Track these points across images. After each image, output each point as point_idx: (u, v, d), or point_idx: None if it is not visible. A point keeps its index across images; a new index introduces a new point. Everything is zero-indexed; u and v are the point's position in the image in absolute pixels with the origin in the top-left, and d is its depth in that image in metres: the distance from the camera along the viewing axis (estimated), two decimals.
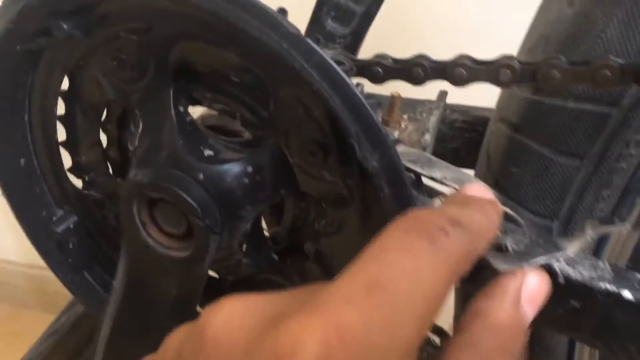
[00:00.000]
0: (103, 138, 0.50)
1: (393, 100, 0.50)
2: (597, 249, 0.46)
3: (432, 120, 0.51)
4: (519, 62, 0.34)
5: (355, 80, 0.52)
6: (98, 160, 0.51)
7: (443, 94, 0.56)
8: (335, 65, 0.33)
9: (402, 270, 0.22)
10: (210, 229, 0.41)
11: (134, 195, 0.42)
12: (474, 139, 0.55)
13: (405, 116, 0.52)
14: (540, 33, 0.40)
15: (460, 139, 0.56)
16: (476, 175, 0.49)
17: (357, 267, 0.23)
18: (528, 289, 0.30)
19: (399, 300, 0.22)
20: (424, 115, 0.53)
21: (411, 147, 0.47)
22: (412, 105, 0.55)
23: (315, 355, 0.20)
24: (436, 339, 0.55)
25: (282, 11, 0.35)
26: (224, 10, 0.33)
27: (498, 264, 0.32)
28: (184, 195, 0.40)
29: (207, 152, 0.42)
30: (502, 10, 0.91)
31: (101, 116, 0.48)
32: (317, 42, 0.34)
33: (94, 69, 0.45)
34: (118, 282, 0.46)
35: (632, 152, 0.40)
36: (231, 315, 0.24)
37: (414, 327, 0.22)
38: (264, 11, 0.33)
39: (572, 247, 0.34)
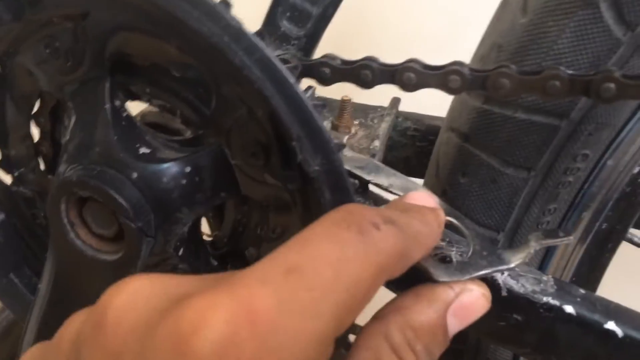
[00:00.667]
0: (35, 131, 0.47)
1: (343, 104, 0.48)
2: (542, 263, 0.46)
3: (383, 127, 0.49)
4: (469, 69, 0.33)
5: (306, 83, 0.50)
6: (29, 155, 0.48)
7: (396, 101, 0.55)
8: (278, 63, 0.31)
9: (325, 258, 0.21)
10: (143, 231, 0.38)
11: (62, 193, 0.39)
12: (426, 148, 0.55)
13: (356, 122, 0.51)
14: (493, 41, 0.39)
15: (412, 147, 0.55)
16: (425, 184, 0.48)
17: (278, 253, 0.22)
18: (461, 302, 0.30)
19: (318, 287, 0.20)
20: (375, 121, 0.51)
21: (360, 153, 0.46)
22: (364, 110, 0.54)
23: (219, 335, 0.19)
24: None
25: (225, 3, 0.33)
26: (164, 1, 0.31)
27: (439, 274, 0.31)
28: (115, 195, 0.37)
29: (143, 150, 0.40)
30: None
31: (33, 108, 0.45)
32: (262, 37, 0.32)
33: (25, 56, 0.42)
34: (44, 286, 0.44)
35: (579, 165, 0.39)
36: (134, 295, 0.22)
37: (331, 317, 0.21)
38: (205, 2, 0.31)
39: (515, 260, 0.33)
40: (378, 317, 0.27)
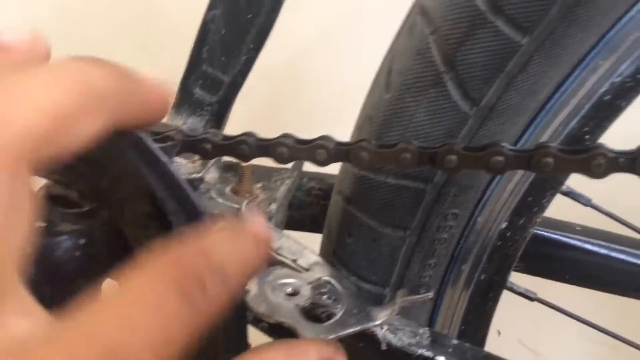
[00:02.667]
0: None
1: (242, 170, 0.51)
2: (432, 314, 0.48)
3: (282, 190, 0.52)
4: (335, 143, 0.36)
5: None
6: None
7: (299, 163, 0.58)
8: (151, 143, 0.34)
9: (146, 336, 0.19)
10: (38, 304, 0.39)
11: None
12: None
13: (259, 185, 0.54)
14: (366, 113, 0.42)
15: (317, 206, 0.58)
16: (321, 243, 0.51)
17: (94, 323, 0.19)
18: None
19: None
20: (278, 184, 0.54)
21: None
22: (268, 173, 0.57)
23: None
24: None
25: None
26: None
27: (306, 334, 0.34)
28: None
29: (37, 224, 0.41)
30: None
31: None
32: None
33: None
34: None
35: (451, 223, 0.43)
36: None
37: None
38: None
39: (382, 317, 0.36)
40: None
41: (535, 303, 0.56)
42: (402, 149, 0.35)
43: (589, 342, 1.10)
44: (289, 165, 0.58)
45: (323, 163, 0.37)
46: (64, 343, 0.19)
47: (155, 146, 0.34)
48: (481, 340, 0.51)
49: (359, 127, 0.44)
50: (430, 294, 0.35)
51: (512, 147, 0.33)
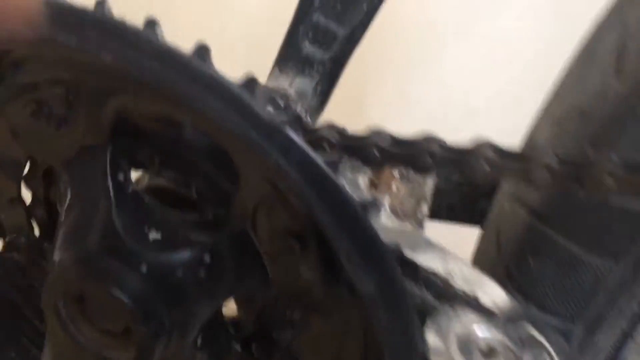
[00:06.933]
0: (27, 194, 0.41)
1: None
2: None
3: (429, 183, 0.43)
4: (558, 158, 0.27)
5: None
6: (20, 219, 0.41)
7: None
8: (324, 165, 0.24)
9: None
10: (156, 334, 0.32)
11: (58, 287, 0.33)
12: (472, 194, 0.48)
13: (396, 173, 0.44)
14: (572, 104, 0.32)
15: (456, 193, 0.48)
16: (479, 254, 0.42)
17: None
18: None
19: None
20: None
21: (405, 220, 0.39)
22: None
23: None
24: None
25: (252, 81, 0.26)
26: (175, 84, 0.24)
27: None
28: (122, 297, 0.31)
29: (153, 236, 0.33)
30: None
31: (21, 171, 0.39)
32: (299, 125, 0.26)
33: (10, 120, 0.35)
34: None
35: None
36: None
37: None
38: (227, 89, 0.24)
39: None
40: None
41: None
42: None
43: None
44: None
45: (543, 187, 0.27)
46: None
47: (330, 168, 0.24)
48: None
49: (558, 122, 0.33)
50: None
51: None
